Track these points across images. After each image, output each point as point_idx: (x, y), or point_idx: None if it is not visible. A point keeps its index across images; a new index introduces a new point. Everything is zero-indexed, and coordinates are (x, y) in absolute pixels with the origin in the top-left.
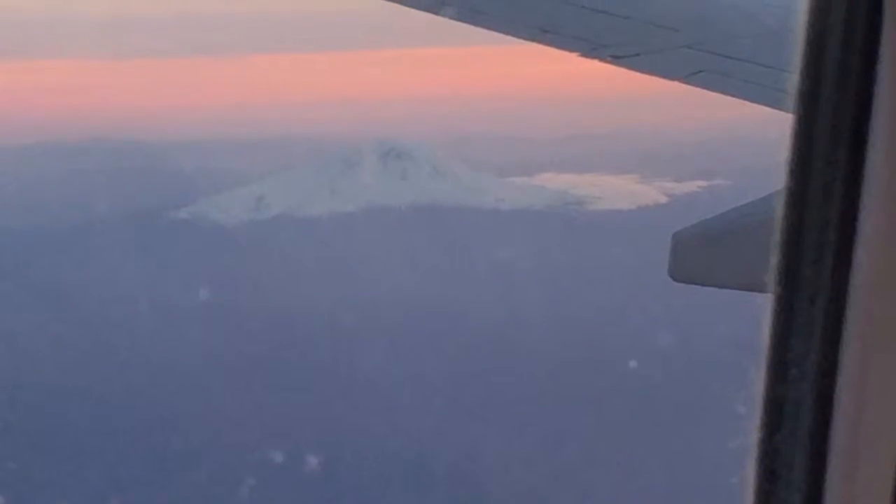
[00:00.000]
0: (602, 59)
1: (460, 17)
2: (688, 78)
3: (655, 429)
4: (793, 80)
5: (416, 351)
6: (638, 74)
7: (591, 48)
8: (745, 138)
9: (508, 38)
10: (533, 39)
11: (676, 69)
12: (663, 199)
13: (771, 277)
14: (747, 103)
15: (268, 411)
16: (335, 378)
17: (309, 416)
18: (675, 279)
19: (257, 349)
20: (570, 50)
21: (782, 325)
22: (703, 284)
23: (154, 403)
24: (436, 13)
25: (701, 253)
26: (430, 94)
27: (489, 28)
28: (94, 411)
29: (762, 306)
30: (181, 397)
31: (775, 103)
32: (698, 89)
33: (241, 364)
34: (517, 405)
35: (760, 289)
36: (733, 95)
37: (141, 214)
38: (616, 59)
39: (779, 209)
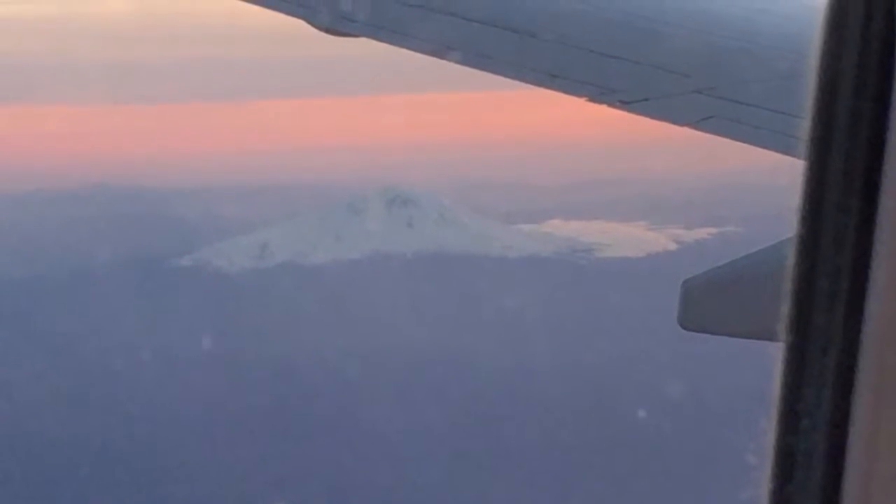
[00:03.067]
0: (611, 104)
1: (466, 62)
2: (698, 124)
3: (665, 479)
4: (804, 125)
5: (423, 400)
6: (647, 120)
7: (600, 93)
8: (756, 185)
9: (515, 83)
10: (540, 84)
11: (686, 115)
12: (673, 247)
13: (782, 326)
14: (757, 149)
15: (272, 462)
16: (340, 428)
17: (313, 466)
18: (684, 328)
19: (261, 399)
20: (579, 95)
21: (793, 375)
22: (713, 333)
23: (156, 454)
24: (441, 58)
25: (711, 301)
26: (437, 140)
27: (495, 73)
28: (96, 462)
29: (773, 355)
30: (184, 448)
31: (787, 150)
32: (708, 135)
33: (244, 414)
34: (525, 455)
35: (771, 338)
36: (744, 141)
37: (143, 262)
38: (625, 105)
39: (790, 257)
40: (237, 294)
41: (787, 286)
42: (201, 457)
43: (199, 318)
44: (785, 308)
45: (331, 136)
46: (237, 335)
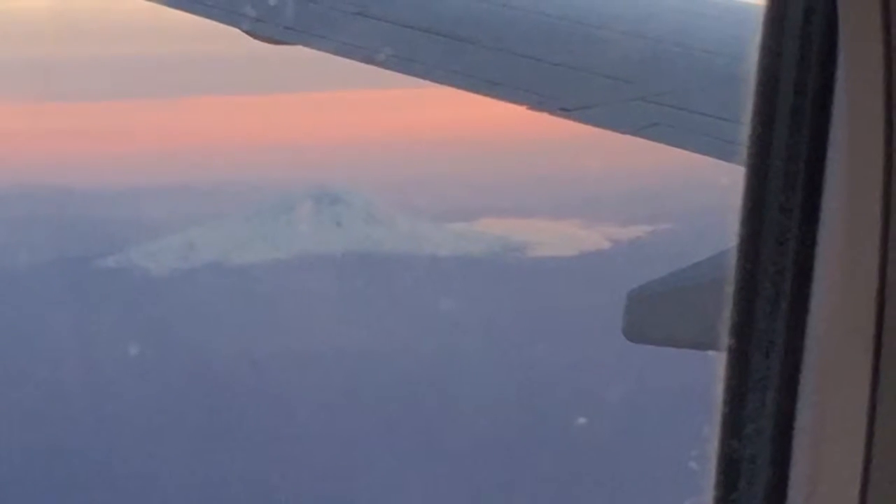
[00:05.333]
0: (552, 111)
1: (404, 70)
2: (641, 131)
3: (606, 487)
4: (746, 126)
5: (354, 405)
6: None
7: (540, 100)
8: (691, 182)
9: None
10: (480, 91)
11: (629, 122)
12: (606, 245)
13: (724, 330)
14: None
15: (198, 470)
16: (267, 434)
17: (240, 476)
18: (629, 339)
19: (184, 404)
20: (519, 102)
21: (737, 380)
22: (658, 344)
23: (77, 462)
24: (379, 65)
25: (655, 312)
26: (366, 138)
27: (435, 80)
28: (16, 470)
29: (717, 359)
30: (106, 456)
31: (733, 157)
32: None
33: (168, 416)
34: (460, 462)
35: (718, 347)
36: (690, 149)
37: (67, 263)
38: (566, 112)
39: (732, 259)
40: (162, 295)
41: (730, 289)
42: (126, 465)
43: (124, 319)
44: (727, 311)
45: (257, 134)
46: (162, 336)
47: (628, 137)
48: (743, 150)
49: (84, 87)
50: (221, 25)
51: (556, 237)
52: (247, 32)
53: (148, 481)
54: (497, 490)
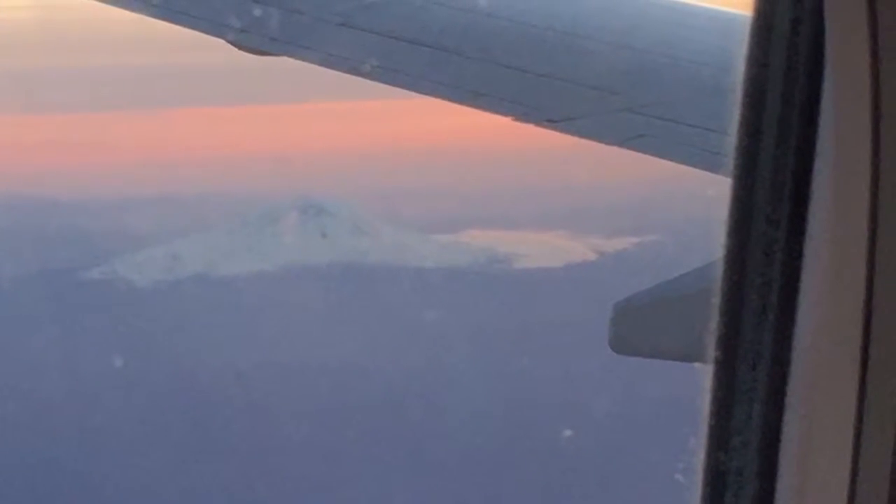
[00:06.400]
0: (538, 122)
1: (389, 80)
2: (628, 142)
3: (592, 500)
4: (732, 137)
5: (340, 417)
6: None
7: (526, 112)
8: (678, 194)
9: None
10: (465, 102)
11: (616, 133)
12: (592, 256)
13: (711, 341)
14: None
15: (182, 481)
16: (253, 446)
17: (225, 488)
18: (615, 351)
19: (169, 416)
20: (505, 114)
21: (723, 392)
22: (644, 356)
23: (67, 476)
24: (364, 76)
25: (642, 324)
26: (351, 149)
27: (419, 91)
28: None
29: (703, 371)
30: (100, 468)
31: (720, 169)
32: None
33: (153, 428)
34: (446, 474)
35: (704, 359)
36: (677, 160)
37: (51, 274)
38: (552, 124)
39: (718, 270)
40: (148, 306)
41: (716, 301)
42: (110, 477)
43: (108, 331)
44: (714, 323)
45: (242, 144)
46: (147, 349)
47: (615, 148)
48: (730, 161)
49: (68, 98)
50: (207, 36)
51: (542, 248)
52: (232, 43)
53: (132, 493)
54: (483, 502)
